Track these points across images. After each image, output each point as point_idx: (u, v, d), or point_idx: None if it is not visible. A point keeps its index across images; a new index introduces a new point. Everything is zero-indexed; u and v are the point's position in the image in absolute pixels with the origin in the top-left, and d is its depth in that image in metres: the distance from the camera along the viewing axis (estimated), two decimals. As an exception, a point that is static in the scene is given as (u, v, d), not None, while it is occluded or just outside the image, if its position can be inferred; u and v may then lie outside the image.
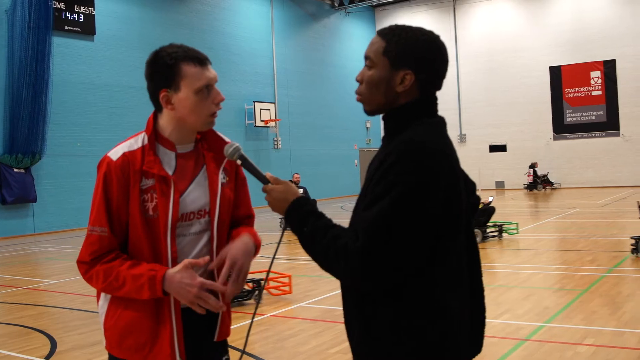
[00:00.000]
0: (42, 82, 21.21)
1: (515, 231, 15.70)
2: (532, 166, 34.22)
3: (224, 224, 2.76)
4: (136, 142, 2.65)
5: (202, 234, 2.70)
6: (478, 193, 2.56)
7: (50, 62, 21.54)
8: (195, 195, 2.68)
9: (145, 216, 2.58)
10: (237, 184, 2.89)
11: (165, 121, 2.67)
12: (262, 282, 2.64)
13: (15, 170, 20.83)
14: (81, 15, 23.13)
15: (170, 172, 2.64)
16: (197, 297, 2.51)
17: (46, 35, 21.39)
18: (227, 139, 2.80)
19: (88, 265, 2.59)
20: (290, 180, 19.83)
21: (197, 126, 2.65)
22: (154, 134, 2.67)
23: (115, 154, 2.61)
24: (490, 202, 15.00)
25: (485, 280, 2.45)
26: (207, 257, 2.62)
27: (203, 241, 2.71)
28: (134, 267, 2.54)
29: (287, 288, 9.47)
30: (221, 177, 2.76)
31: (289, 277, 9.50)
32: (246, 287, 8.92)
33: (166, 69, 2.57)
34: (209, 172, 2.72)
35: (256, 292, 8.98)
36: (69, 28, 22.77)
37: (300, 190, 19.29)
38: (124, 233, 2.61)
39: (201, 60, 2.58)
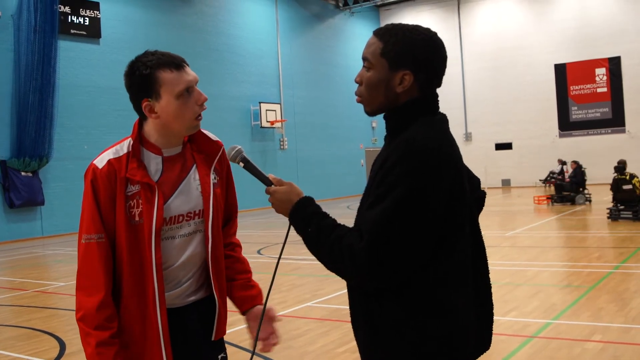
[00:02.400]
0: (49, 86, 21.29)
1: None
2: (564, 163, 32.31)
3: (217, 224, 2.77)
4: (122, 148, 2.64)
5: (193, 236, 2.70)
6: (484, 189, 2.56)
7: (57, 66, 21.62)
8: (184, 198, 2.67)
9: (131, 222, 2.57)
10: (228, 184, 2.92)
11: (150, 128, 2.66)
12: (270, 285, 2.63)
13: (23, 173, 20.90)
14: (87, 18, 23.21)
15: (157, 177, 2.63)
16: None
17: (52, 39, 21.48)
18: (214, 137, 2.81)
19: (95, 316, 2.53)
20: None
21: (182, 131, 2.64)
22: (139, 139, 2.66)
23: (100, 161, 2.60)
24: None
25: (492, 277, 2.46)
26: None
27: (195, 242, 2.71)
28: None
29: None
30: (212, 178, 2.76)
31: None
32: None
33: (143, 79, 2.55)
34: (200, 174, 2.72)
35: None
36: (75, 32, 22.85)
37: None
38: (112, 241, 2.60)
39: (177, 65, 2.56)
